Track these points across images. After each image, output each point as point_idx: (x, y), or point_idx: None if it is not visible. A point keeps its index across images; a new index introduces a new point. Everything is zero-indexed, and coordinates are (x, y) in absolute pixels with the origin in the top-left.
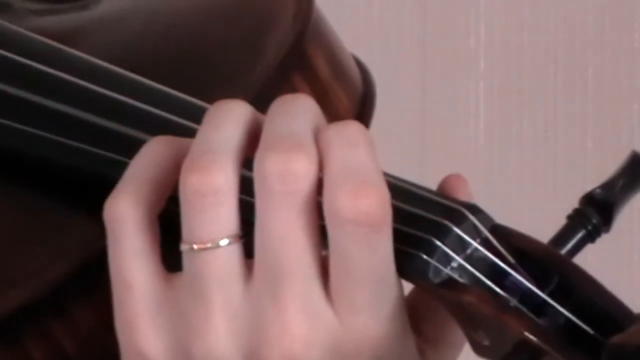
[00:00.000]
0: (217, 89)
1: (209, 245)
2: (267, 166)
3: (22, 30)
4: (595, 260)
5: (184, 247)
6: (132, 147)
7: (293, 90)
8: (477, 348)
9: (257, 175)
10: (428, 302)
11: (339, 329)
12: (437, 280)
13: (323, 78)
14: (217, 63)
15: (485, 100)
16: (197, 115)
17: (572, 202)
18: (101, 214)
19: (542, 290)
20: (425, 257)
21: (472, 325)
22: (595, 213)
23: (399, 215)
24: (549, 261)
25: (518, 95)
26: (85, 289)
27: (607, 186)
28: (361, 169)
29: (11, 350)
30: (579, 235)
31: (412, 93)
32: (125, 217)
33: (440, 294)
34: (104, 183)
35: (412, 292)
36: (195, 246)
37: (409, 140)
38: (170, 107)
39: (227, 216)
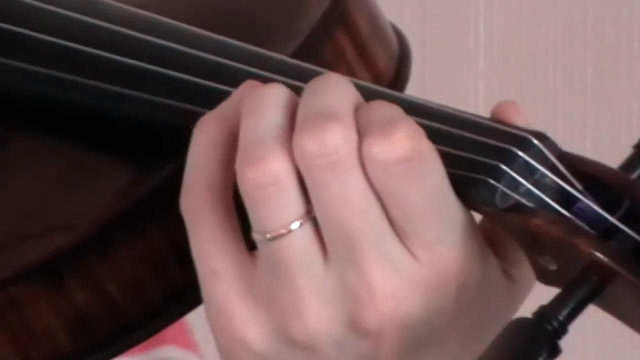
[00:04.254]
0: (261, 41)
1: (281, 231)
2: (305, 145)
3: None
4: None
5: (256, 237)
6: (180, 92)
7: (335, 43)
8: (544, 275)
9: (298, 157)
10: (500, 229)
11: (420, 269)
12: (503, 206)
13: (364, 33)
14: (258, 15)
15: (484, 99)
16: (260, 63)
17: None
18: (141, 159)
19: (612, 215)
20: (492, 182)
21: (538, 250)
22: None
23: (465, 144)
24: (619, 186)
25: (517, 95)
26: (129, 234)
27: None
28: (385, 115)
29: (54, 291)
30: None
31: (412, 92)
32: (202, 207)
33: (507, 219)
34: (144, 128)
35: (483, 221)
36: (268, 235)
37: None
38: (227, 53)
39: (291, 200)
